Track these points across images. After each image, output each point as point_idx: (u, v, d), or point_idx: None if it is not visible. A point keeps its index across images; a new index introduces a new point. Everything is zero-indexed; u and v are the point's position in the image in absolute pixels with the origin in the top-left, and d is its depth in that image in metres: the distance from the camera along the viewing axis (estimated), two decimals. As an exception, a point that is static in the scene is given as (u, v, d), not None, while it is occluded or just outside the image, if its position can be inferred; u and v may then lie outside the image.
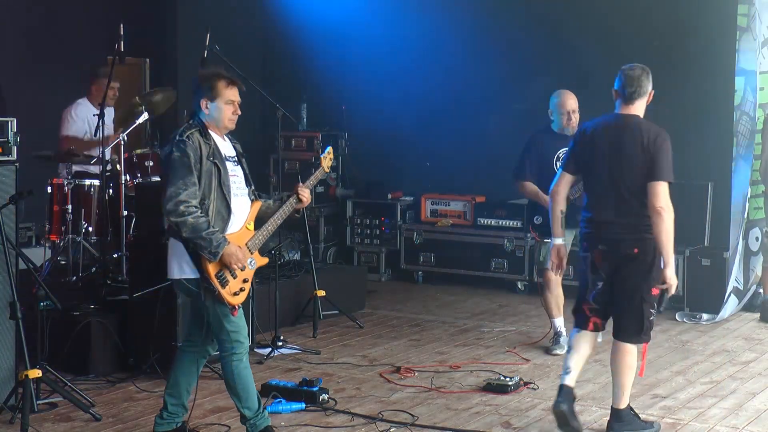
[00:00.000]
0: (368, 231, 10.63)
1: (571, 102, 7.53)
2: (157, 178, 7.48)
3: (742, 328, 8.48)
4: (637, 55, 9.39)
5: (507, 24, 10.20)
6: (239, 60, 8.10)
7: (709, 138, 9.17)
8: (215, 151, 5.16)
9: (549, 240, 7.25)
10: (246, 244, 5.23)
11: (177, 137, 5.09)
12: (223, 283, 5.10)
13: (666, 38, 9.39)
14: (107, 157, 7.73)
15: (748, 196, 8.80)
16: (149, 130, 8.39)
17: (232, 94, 5.24)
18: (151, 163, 7.82)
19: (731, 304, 8.80)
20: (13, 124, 5.96)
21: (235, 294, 5.16)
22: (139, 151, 8.04)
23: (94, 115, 7.93)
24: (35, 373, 5.63)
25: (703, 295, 8.79)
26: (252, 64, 10.23)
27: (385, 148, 10.96)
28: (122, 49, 7.96)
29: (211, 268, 5.06)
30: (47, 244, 8.09)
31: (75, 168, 8.01)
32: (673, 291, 5.44)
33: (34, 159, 7.90)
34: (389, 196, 10.73)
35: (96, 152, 7.88)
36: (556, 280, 7.47)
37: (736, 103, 8.77)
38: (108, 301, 7.14)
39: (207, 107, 5.20)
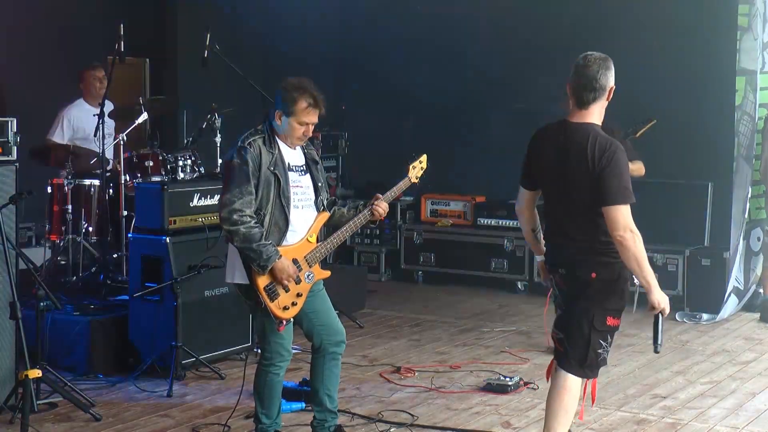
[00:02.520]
0: (368, 231, 10.63)
1: None
2: (157, 179, 7.50)
3: (742, 328, 8.48)
4: (638, 55, 9.49)
5: (507, 24, 10.20)
6: (239, 60, 8.10)
7: (710, 138, 9.18)
8: (278, 161, 5.05)
9: None
10: (305, 257, 5.13)
11: (240, 143, 5.00)
12: (273, 297, 5.00)
13: (666, 38, 9.39)
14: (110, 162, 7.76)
15: (750, 196, 8.80)
16: (149, 131, 8.38)
17: (309, 117, 5.13)
18: (151, 163, 7.82)
19: (731, 304, 8.80)
20: (13, 124, 5.97)
21: (285, 308, 5.05)
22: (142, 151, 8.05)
23: (94, 115, 7.93)
24: (35, 373, 5.62)
25: (703, 295, 8.80)
26: (252, 64, 10.21)
27: (385, 148, 10.96)
28: (122, 49, 7.97)
29: (261, 280, 4.98)
30: (47, 244, 8.08)
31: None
32: (667, 312, 4.73)
33: (33, 155, 7.91)
34: (389, 196, 10.70)
35: (97, 150, 7.88)
36: None
37: (737, 102, 8.77)
38: (108, 301, 7.14)
39: (280, 119, 5.11)
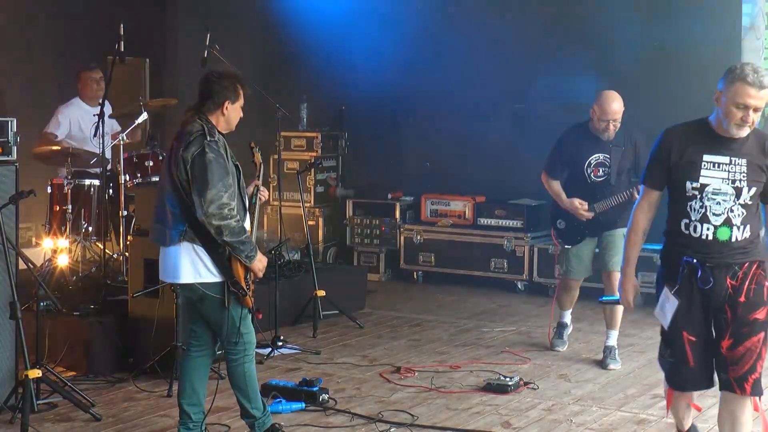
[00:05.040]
0: (368, 231, 10.63)
1: (615, 108, 6.87)
2: (156, 178, 7.47)
3: (742, 328, 8.47)
4: (639, 55, 9.49)
5: (507, 23, 10.20)
6: (239, 60, 8.10)
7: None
8: (231, 152, 5.15)
9: (569, 246, 7.29)
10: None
11: (208, 138, 5.00)
12: (248, 286, 5.12)
13: (669, 38, 9.39)
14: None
15: (750, 195, 8.80)
16: (149, 131, 8.38)
17: (243, 98, 5.26)
18: (151, 163, 7.82)
19: (731, 304, 8.79)
20: (13, 124, 5.97)
21: (252, 297, 5.18)
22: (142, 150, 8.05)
23: (94, 115, 7.92)
24: (35, 373, 5.63)
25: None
26: (252, 64, 10.22)
27: (385, 148, 10.96)
28: (122, 49, 7.96)
29: (242, 272, 5.06)
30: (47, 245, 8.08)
31: (74, 168, 8.01)
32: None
33: (34, 159, 7.91)
34: (389, 196, 10.73)
35: (95, 151, 7.88)
36: (576, 289, 7.44)
37: (738, 102, 8.76)
38: (108, 301, 7.14)
39: (227, 109, 5.16)
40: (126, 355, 6.80)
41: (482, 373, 6.89)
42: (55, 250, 7.88)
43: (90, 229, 7.85)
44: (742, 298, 4.59)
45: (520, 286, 9.87)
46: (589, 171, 7.02)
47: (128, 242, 7.28)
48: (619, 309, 7.06)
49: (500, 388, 6.47)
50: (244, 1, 10.99)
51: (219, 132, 5.15)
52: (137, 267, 6.89)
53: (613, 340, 7.18)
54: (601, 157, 6.98)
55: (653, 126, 8.17)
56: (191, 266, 5.08)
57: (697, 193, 4.57)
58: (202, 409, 5.33)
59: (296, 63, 11.11)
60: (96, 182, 7.88)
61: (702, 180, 4.57)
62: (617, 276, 7.03)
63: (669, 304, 4.68)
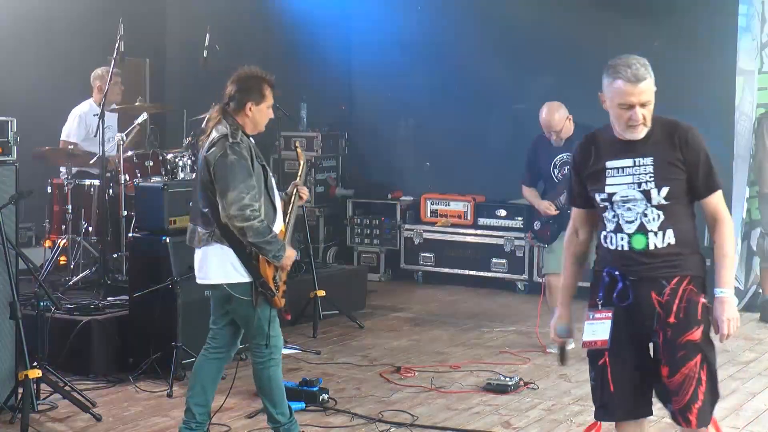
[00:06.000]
0: (368, 231, 10.63)
1: (551, 120, 7.31)
2: (157, 179, 7.48)
3: (742, 328, 8.44)
4: (638, 55, 9.47)
5: (507, 23, 10.20)
6: (239, 60, 8.05)
7: (709, 138, 9.07)
8: (258, 153, 5.11)
9: (545, 246, 7.57)
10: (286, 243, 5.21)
11: (230, 139, 4.98)
12: (277, 287, 5.08)
13: (666, 38, 9.39)
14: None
15: (747, 196, 8.81)
16: (150, 131, 8.39)
17: (272, 98, 5.20)
18: (151, 163, 7.82)
19: (731, 304, 8.78)
20: (13, 124, 5.97)
21: (282, 297, 5.15)
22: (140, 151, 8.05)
23: (94, 115, 7.94)
24: (35, 373, 5.63)
25: (703, 295, 8.78)
26: (252, 64, 10.20)
27: (385, 148, 10.96)
28: (122, 49, 7.97)
29: (270, 272, 5.03)
30: (47, 244, 8.09)
31: (75, 168, 8.02)
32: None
33: (35, 159, 7.91)
34: (389, 196, 10.73)
35: (97, 152, 7.88)
36: (557, 285, 7.46)
37: (735, 103, 8.77)
38: (108, 301, 7.14)
39: (251, 110, 5.12)
40: (126, 355, 6.80)
41: (482, 373, 6.89)
42: (55, 250, 7.89)
43: (90, 229, 7.85)
44: (672, 319, 4.01)
45: (520, 286, 9.87)
46: (555, 171, 7.43)
47: (128, 242, 7.29)
48: None
49: (500, 388, 6.47)
50: (244, 1, 10.99)
51: (244, 133, 5.09)
52: (137, 267, 6.90)
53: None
54: (565, 156, 7.31)
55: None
56: (220, 267, 5.05)
57: (607, 203, 4.08)
58: (208, 411, 5.28)
59: (296, 63, 11.10)
60: (96, 182, 7.88)
61: (608, 189, 4.08)
62: None
63: (599, 320, 4.09)
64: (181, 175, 7.28)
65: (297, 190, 5.47)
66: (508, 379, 6.56)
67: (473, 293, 9.83)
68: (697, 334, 4.01)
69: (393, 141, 10.94)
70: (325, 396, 6.16)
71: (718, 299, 4.08)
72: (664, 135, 4.10)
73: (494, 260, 9.99)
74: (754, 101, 8.81)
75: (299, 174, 5.63)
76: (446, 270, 10.30)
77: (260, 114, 5.15)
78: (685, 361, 4.00)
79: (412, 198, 10.66)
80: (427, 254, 10.34)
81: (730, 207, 8.72)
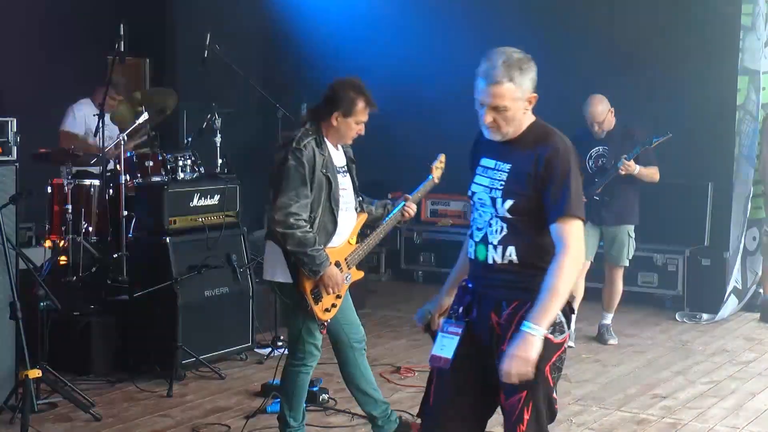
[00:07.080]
0: (368, 231, 10.59)
1: (594, 111, 7.63)
2: (157, 179, 7.48)
3: (742, 328, 8.48)
4: (639, 55, 9.48)
5: (507, 24, 10.19)
6: (239, 60, 8.11)
7: (711, 137, 9.17)
8: (328, 163, 5.03)
9: None
10: (345, 259, 5.17)
11: (294, 144, 4.93)
12: (317, 299, 5.02)
13: (669, 37, 9.39)
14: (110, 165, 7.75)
15: (751, 195, 8.80)
16: (150, 131, 8.37)
17: (365, 116, 5.14)
18: (151, 163, 7.81)
19: (731, 304, 8.80)
20: (13, 124, 5.97)
21: (327, 310, 5.08)
22: (142, 150, 8.04)
23: (94, 115, 7.93)
24: (35, 373, 5.62)
25: (703, 295, 8.80)
26: (252, 64, 10.22)
27: (385, 148, 10.94)
28: (122, 49, 7.96)
29: (308, 284, 4.97)
30: (47, 244, 8.07)
31: (75, 168, 8.01)
32: None
33: (35, 159, 7.90)
34: (389, 195, 10.70)
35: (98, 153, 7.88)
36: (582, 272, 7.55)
37: (738, 102, 8.76)
38: (108, 301, 7.14)
39: (337, 120, 5.08)
40: (126, 355, 6.80)
41: (482, 373, 6.87)
42: (55, 250, 7.88)
43: (90, 229, 7.85)
44: (504, 346, 3.54)
45: (520, 286, 9.85)
46: (590, 163, 7.71)
47: (128, 242, 7.29)
48: (617, 294, 7.84)
49: (500, 388, 6.44)
50: (244, 1, 10.98)
51: (320, 140, 5.02)
52: (137, 267, 6.89)
53: (608, 319, 7.89)
54: (601, 149, 7.70)
55: (650, 124, 8.25)
56: (270, 264, 5.07)
57: (471, 203, 3.75)
58: (378, 402, 5.32)
59: (296, 63, 11.10)
60: (96, 182, 7.88)
61: (472, 187, 3.73)
62: (618, 271, 7.80)
63: (450, 335, 3.73)
64: (181, 175, 7.28)
65: (405, 205, 5.38)
66: (508, 379, 6.54)
67: (473, 293, 9.80)
68: None
69: (393, 141, 10.92)
70: (325, 396, 6.16)
71: (521, 333, 3.45)
72: (529, 145, 3.64)
73: (494, 260, 9.97)
74: (759, 101, 8.80)
75: (420, 190, 5.52)
76: (446, 270, 10.04)
77: (346, 126, 5.12)
78: (512, 393, 3.58)
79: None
80: (427, 254, 10.34)
81: (730, 207, 8.81)
